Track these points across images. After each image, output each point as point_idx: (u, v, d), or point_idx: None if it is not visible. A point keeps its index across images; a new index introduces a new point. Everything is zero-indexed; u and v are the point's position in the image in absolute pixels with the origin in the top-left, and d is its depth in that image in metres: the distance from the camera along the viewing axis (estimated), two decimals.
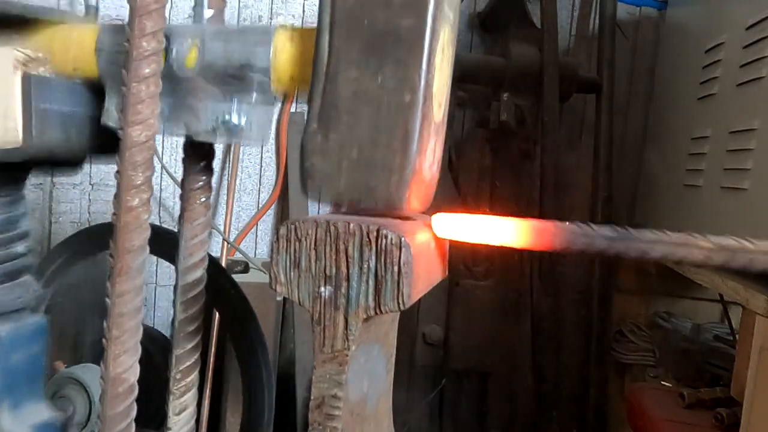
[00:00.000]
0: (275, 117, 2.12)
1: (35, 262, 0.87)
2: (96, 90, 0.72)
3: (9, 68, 0.67)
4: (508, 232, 0.54)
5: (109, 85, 0.70)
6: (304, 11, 2.17)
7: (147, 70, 0.59)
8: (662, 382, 1.70)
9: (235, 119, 0.66)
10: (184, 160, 0.79)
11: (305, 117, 0.59)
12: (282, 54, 0.64)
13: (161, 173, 2.09)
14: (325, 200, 0.58)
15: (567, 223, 0.54)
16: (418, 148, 0.55)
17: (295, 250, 0.53)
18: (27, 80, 0.67)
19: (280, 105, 2.13)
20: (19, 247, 0.82)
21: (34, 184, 2.06)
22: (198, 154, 0.78)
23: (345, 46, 0.56)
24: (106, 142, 0.71)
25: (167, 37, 0.65)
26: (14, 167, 0.74)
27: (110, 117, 0.69)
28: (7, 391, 0.79)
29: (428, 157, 0.58)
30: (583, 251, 0.53)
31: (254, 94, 0.66)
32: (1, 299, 0.78)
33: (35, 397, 0.83)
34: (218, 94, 0.67)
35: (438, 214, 0.59)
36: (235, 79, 0.65)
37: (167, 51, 0.66)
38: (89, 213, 2.12)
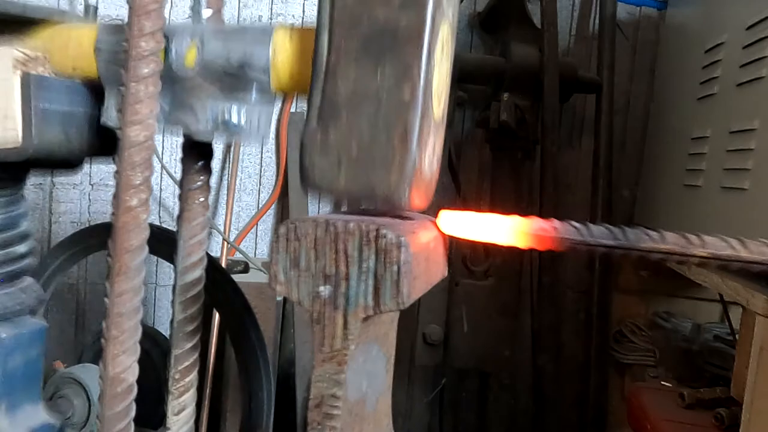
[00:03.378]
0: (275, 116, 2.12)
1: (36, 263, 0.87)
2: (95, 89, 0.72)
3: (8, 68, 0.67)
4: (510, 231, 0.55)
5: (108, 85, 0.70)
6: (304, 11, 2.16)
7: (146, 70, 0.59)
8: (662, 382, 1.70)
9: (234, 118, 0.66)
10: (183, 160, 0.79)
11: (305, 116, 0.59)
12: (281, 52, 0.64)
13: (161, 173, 2.09)
14: (325, 198, 0.58)
15: (566, 222, 0.55)
16: (418, 145, 0.55)
17: (294, 249, 0.53)
18: (26, 80, 0.67)
19: (279, 104, 2.13)
20: (20, 249, 0.82)
21: (34, 184, 2.06)
22: (197, 153, 0.78)
23: (344, 44, 0.56)
24: (105, 142, 0.71)
25: (166, 37, 0.65)
26: (14, 167, 0.74)
27: (109, 116, 0.69)
28: (5, 394, 0.79)
29: (428, 154, 0.58)
30: (583, 251, 0.54)
31: (254, 93, 0.66)
32: (1, 303, 0.78)
33: (33, 400, 0.83)
34: (218, 93, 0.67)
35: (444, 211, 0.59)
36: (234, 78, 0.65)
37: (166, 50, 0.66)
38: (89, 213, 2.12)
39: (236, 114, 0.66)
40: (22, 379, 0.81)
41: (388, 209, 0.58)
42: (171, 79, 0.66)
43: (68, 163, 0.82)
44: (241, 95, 0.66)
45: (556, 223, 0.55)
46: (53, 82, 0.70)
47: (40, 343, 0.83)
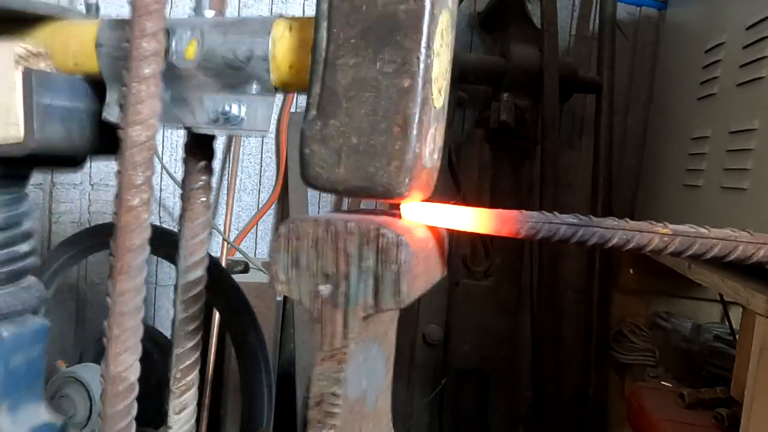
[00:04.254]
0: (276, 109, 2.12)
1: (38, 262, 0.87)
2: (97, 86, 0.72)
3: (10, 63, 0.67)
4: (474, 218, 0.56)
5: (109, 81, 0.70)
6: (304, 12, 2.17)
7: (147, 71, 0.60)
8: (662, 382, 1.70)
9: (235, 110, 0.66)
10: (185, 160, 0.79)
11: (305, 107, 0.58)
12: (281, 43, 0.64)
13: (161, 173, 2.10)
14: (325, 188, 0.58)
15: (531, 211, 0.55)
16: (419, 134, 0.55)
17: (294, 248, 0.53)
18: (28, 75, 0.67)
19: (280, 98, 2.14)
20: (23, 248, 0.82)
21: (33, 184, 2.06)
22: (199, 152, 0.78)
23: (343, 33, 0.56)
24: (107, 139, 0.71)
25: (167, 30, 0.65)
26: (16, 164, 0.74)
27: (111, 112, 0.69)
28: (7, 393, 0.79)
29: (429, 144, 0.57)
30: (548, 238, 0.55)
31: (254, 85, 0.66)
32: (4, 302, 0.78)
33: (34, 399, 0.84)
34: (218, 86, 0.67)
35: (408, 203, 0.59)
36: (234, 70, 0.65)
37: (167, 43, 0.66)
38: (89, 213, 2.12)
39: (236, 107, 0.66)
40: (24, 379, 0.81)
41: (388, 200, 0.57)
42: (171, 73, 0.66)
43: (70, 160, 0.82)
44: (241, 87, 0.66)
45: (520, 211, 0.56)
46: (55, 77, 0.70)
47: (43, 342, 0.83)
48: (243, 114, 0.66)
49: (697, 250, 0.53)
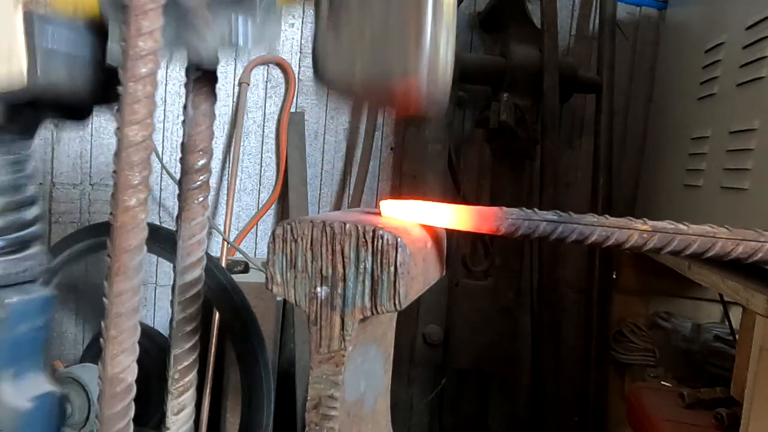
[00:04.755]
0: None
1: (43, 230, 0.85)
2: (98, 33, 0.71)
3: (11, 6, 0.65)
4: (454, 215, 0.55)
5: (110, 22, 0.68)
6: (303, 11, 2.17)
7: (144, 70, 0.59)
8: (662, 382, 1.70)
9: (241, 29, 0.65)
10: (182, 160, 0.79)
11: (315, 29, 0.57)
12: None
13: (161, 173, 2.10)
14: (341, 81, 0.56)
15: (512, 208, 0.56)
16: (434, 20, 0.54)
17: (291, 250, 0.53)
18: (29, 17, 0.65)
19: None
20: (28, 214, 0.80)
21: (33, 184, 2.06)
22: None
23: None
24: (109, 88, 0.69)
25: None
26: (20, 113, 0.71)
27: (113, 54, 0.68)
28: (11, 362, 0.78)
29: (442, 53, 0.56)
30: (528, 235, 0.55)
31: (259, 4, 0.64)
32: (9, 271, 0.77)
33: (36, 369, 0.83)
34: (223, 7, 0.65)
35: (386, 200, 0.59)
36: None
37: None
38: (89, 213, 2.12)
39: (242, 25, 0.65)
40: (28, 348, 0.80)
41: (406, 92, 0.56)
42: (176, 3, 0.65)
43: (75, 109, 0.80)
44: (247, 3, 0.65)
45: (500, 208, 0.56)
46: (56, 21, 0.69)
47: (47, 312, 0.82)
48: (249, 32, 0.65)
49: (676, 247, 0.53)
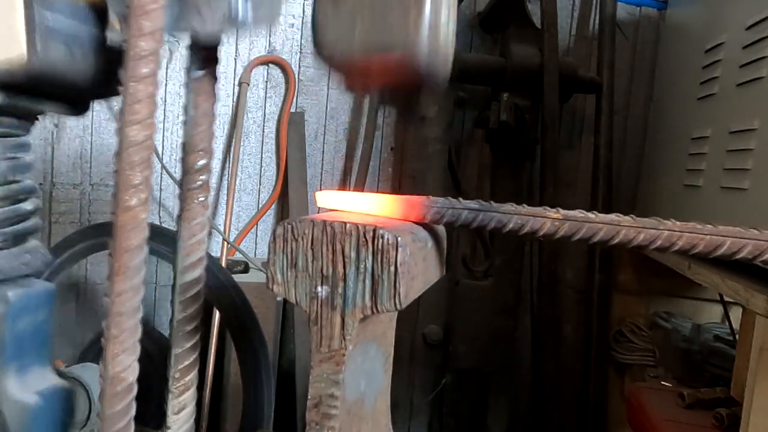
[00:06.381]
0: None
1: (41, 224, 0.84)
2: (99, 14, 0.70)
3: None
4: (383, 204, 0.58)
5: (109, 2, 0.68)
6: (303, 11, 2.17)
7: (145, 70, 0.59)
8: (662, 382, 1.70)
9: (241, 6, 0.64)
10: (182, 160, 0.79)
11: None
12: None
13: (161, 173, 2.10)
14: (341, 54, 0.56)
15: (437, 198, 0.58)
16: (433, 7, 0.54)
17: (291, 250, 0.53)
18: None
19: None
20: (27, 205, 0.79)
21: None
22: (197, 151, 0.77)
23: None
24: (109, 74, 0.68)
25: None
26: (19, 93, 0.70)
27: (113, 32, 0.68)
28: (15, 356, 0.78)
29: (443, 22, 0.56)
30: (452, 223, 0.58)
31: None
32: (9, 264, 0.76)
33: (41, 363, 0.82)
34: None
35: (321, 191, 0.61)
36: None
37: None
38: (89, 213, 2.12)
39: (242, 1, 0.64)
40: (31, 342, 0.79)
41: (406, 62, 0.56)
42: None
43: (74, 98, 0.79)
44: None
45: (426, 197, 0.58)
46: (57, 1, 0.68)
47: (48, 305, 0.82)
48: (249, 7, 0.64)
49: (584, 234, 0.56)
